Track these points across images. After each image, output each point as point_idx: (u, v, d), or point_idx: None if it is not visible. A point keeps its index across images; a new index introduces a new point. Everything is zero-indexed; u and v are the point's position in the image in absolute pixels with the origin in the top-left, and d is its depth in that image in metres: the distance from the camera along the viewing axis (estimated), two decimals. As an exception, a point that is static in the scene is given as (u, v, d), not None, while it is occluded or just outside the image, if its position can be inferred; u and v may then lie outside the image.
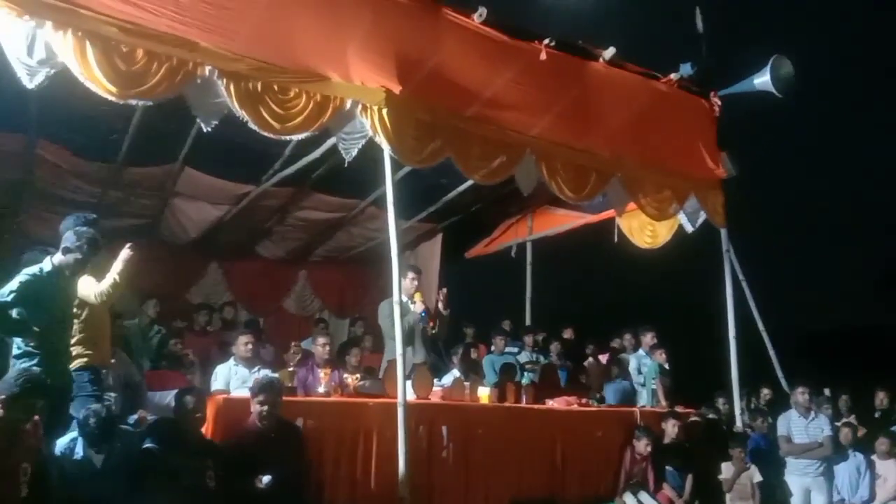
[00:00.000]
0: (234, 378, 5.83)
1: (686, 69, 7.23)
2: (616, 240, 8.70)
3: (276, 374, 5.52)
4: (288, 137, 5.35)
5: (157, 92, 4.72)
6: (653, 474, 6.53)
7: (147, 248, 8.81)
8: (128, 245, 4.63)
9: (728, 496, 6.68)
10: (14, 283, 4.23)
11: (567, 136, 6.50)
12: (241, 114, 4.98)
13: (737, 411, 7.52)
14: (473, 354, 7.76)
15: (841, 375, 9.04)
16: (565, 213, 9.34)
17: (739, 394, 7.60)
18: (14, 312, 4.16)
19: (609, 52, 6.56)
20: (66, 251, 4.37)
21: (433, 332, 6.78)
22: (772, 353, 8.01)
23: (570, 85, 6.42)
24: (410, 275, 6.60)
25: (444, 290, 6.90)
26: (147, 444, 4.25)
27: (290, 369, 5.67)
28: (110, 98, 4.61)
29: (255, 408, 4.64)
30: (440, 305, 6.86)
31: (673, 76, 7.12)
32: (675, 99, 7.18)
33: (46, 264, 4.34)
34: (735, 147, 7.68)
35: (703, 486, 6.63)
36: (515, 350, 8.74)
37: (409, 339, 6.40)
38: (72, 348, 4.61)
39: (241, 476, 4.34)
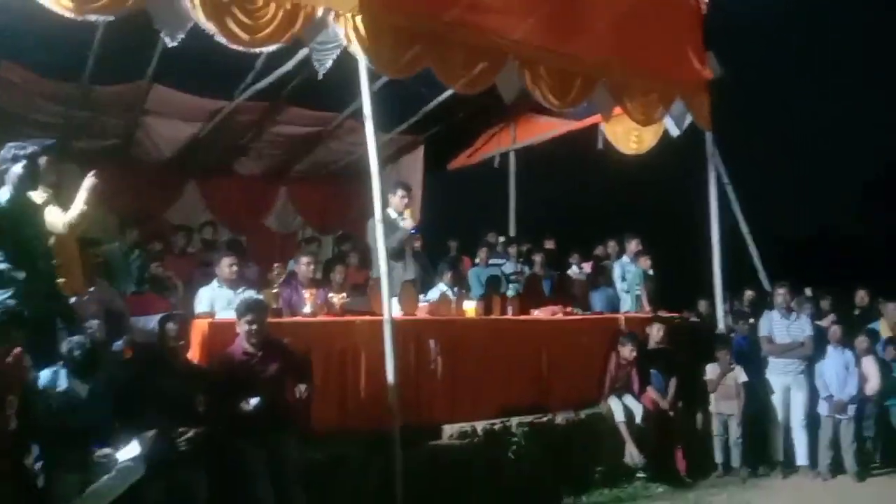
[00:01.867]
0: (218, 300, 5.75)
1: (673, -35, 6.93)
2: (600, 146, 8.60)
3: (261, 295, 5.47)
4: (258, 50, 5.10)
5: (115, 6, 4.46)
6: (637, 378, 6.65)
7: (120, 170, 8.75)
8: (91, 173, 4.47)
9: (713, 396, 6.86)
10: None
11: (551, 41, 6.29)
12: (208, 26, 4.73)
13: (719, 314, 7.64)
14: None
15: (825, 278, 9.14)
16: (548, 120, 9.18)
17: (722, 297, 7.70)
18: None
19: (593, -51, 6.26)
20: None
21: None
22: (755, 255, 8.07)
23: (553, -14, 6.15)
24: (399, 192, 6.46)
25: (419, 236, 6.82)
26: (133, 371, 4.22)
27: (275, 290, 5.61)
28: (67, 15, 4.37)
29: (243, 328, 4.59)
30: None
31: (660, -27, 6.84)
32: (661, -1, 6.93)
33: (3, 194, 4.18)
34: (722, 47, 7.47)
35: (687, 387, 6.79)
36: (501, 262, 8.76)
37: (398, 255, 6.36)
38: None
39: (230, 399, 4.34)
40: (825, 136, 16.24)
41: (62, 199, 4.64)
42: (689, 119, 7.61)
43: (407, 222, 6.39)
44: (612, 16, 6.50)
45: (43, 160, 4.37)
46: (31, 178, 4.23)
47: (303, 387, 4.57)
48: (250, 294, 5.70)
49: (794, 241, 14.89)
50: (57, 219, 4.51)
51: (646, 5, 6.77)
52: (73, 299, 4.81)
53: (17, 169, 4.15)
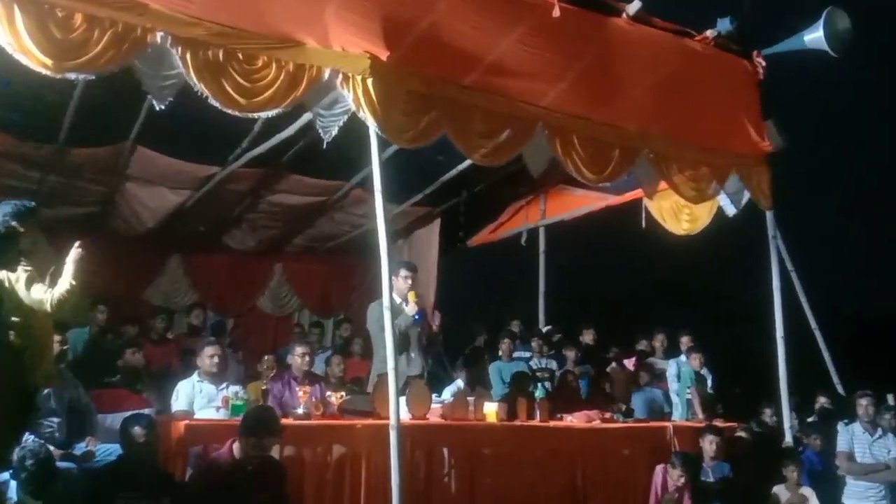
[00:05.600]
0: (198, 396, 5.79)
1: (725, 25, 7.09)
2: (644, 225, 8.63)
3: (248, 392, 5.47)
4: (256, 115, 5.25)
5: (99, 63, 4.62)
6: (689, 496, 6.47)
7: (95, 242, 8.87)
8: (77, 244, 4.54)
9: (781, 525, 6.64)
10: None
11: (585, 107, 6.39)
12: (200, 87, 4.88)
13: (786, 424, 7.46)
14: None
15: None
16: (584, 193, 9.26)
17: (789, 403, 7.55)
18: None
19: (634, 6, 6.43)
20: None
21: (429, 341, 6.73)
22: (826, 354, 7.96)
23: (587, 46, 6.30)
24: (403, 272, 6.53)
25: (439, 313, 6.82)
26: (92, 485, 4.18)
27: (263, 386, 5.61)
28: (45, 72, 4.52)
29: (241, 444, 4.56)
30: (434, 326, 6.79)
31: (709, 33, 6.98)
32: (711, 60, 7.06)
33: None
34: (783, 116, 7.57)
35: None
36: (527, 355, 8.71)
37: (402, 347, 6.36)
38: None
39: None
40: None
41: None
42: (746, 196, 7.64)
43: (410, 307, 6.41)
44: (655, 79, 6.60)
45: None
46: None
47: None
48: (236, 390, 5.72)
49: (873, 326, 14.68)
50: (41, 295, 4.51)
51: (694, 69, 6.87)
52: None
53: None
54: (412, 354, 6.52)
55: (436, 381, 7.49)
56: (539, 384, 7.84)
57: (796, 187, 8.78)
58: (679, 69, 6.75)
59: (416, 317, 6.54)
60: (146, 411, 5.44)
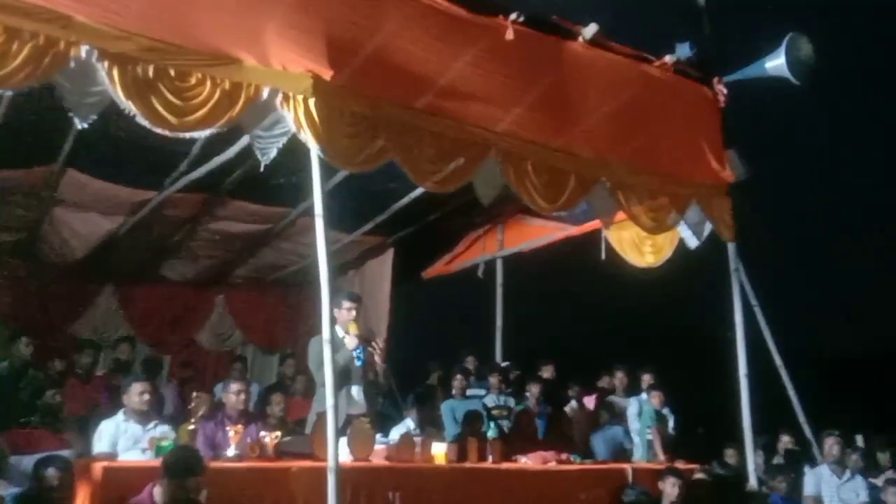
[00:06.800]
0: (122, 437, 5.62)
1: (684, 50, 7.19)
2: (604, 256, 8.65)
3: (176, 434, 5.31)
4: (187, 135, 5.16)
5: (17, 79, 4.50)
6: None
7: (18, 270, 8.69)
8: None
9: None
10: None
11: (540, 133, 6.41)
12: (128, 105, 4.78)
13: (750, 466, 7.45)
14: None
15: (877, 413, 9.06)
16: (542, 223, 9.30)
17: (754, 444, 7.55)
18: None
19: (590, 30, 6.50)
20: None
21: (374, 378, 6.61)
22: (791, 392, 7.98)
23: (543, 70, 6.34)
24: (346, 304, 6.45)
25: (379, 340, 6.73)
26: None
27: (191, 426, 5.45)
28: (-43, 88, 4.41)
29: (162, 488, 4.39)
30: (376, 357, 6.69)
31: (668, 59, 7.08)
32: (671, 86, 7.15)
33: None
34: (745, 145, 7.67)
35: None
36: (482, 392, 8.62)
37: (342, 383, 6.24)
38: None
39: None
40: (869, 238, 16.53)
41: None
42: (708, 227, 7.70)
43: (349, 340, 6.32)
44: (612, 106, 6.64)
45: None
46: None
47: None
48: (163, 431, 5.56)
49: (840, 364, 14.88)
50: None
51: (653, 95, 6.94)
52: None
53: None
54: (353, 391, 6.40)
55: (387, 421, 7.39)
56: (493, 423, 7.74)
57: (760, 219, 8.87)
58: (637, 95, 6.82)
59: (357, 351, 6.42)
60: (64, 453, 5.25)
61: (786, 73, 7.24)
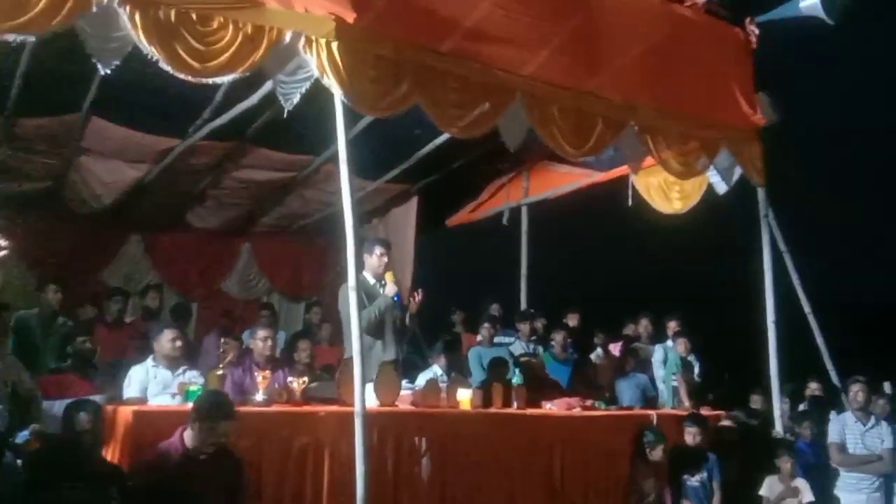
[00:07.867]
0: (152, 382, 5.71)
1: (716, -11, 7.04)
2: (630, 203, 8.58)
3: (205, 379, 5.38)
4: (210, 80, 5.12)
5: (39, 25, 4.47)
6: (670, 491, 6.46)
7: (47, 219, 8.75)
8: None
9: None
10: None
11: (567, 76, 6.29)
12: (150, 51, 4.74)
13: (776, 413, 7.45)
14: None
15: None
16: (569, 170, 9.21)
17: (780, 391, 7.53)
18: None
19: (620, -31, 6.36)
20: None
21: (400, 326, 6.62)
22: (819, 339, 7.92)
23: (571, 12, 6.22)
24: (378, 250, 6.45)
25: (420, 292, 6.71)
26: (33, 475, 4.08)
27: (220, 372, 5.51)
28: (-24, 34, 4.39)
29: (192, 431, 4.45)
30: (412, 307, 6.69)
31: (699, -2, 6.92)
32: (701, 27, 7.03)
33: None
34: (776, 88, 7.51)
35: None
36: (509, 340, 8.66)
37: (378, 332, 6.30)
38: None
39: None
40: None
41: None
42: (738, 172, 7.60)
43: (389, 287, 6.32)
44: (641, 48, 6.51)
45: None
46: None
47: None
48: (193, 375, 5.64)
49: (870, 312, 14.73)
50: None
51: (683, 37, 6.80)
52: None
53: None
54: (388, 339, 6.41)
55: (411, 367, 7.43)
56: (518, 370, 7.78)
57: (790, 164, 8.72)
58: (667, 37, 6.68)
59: (396, 298, 6.44)
60: (95, 398, 5.33)
61: (820, 12, 7.04)
